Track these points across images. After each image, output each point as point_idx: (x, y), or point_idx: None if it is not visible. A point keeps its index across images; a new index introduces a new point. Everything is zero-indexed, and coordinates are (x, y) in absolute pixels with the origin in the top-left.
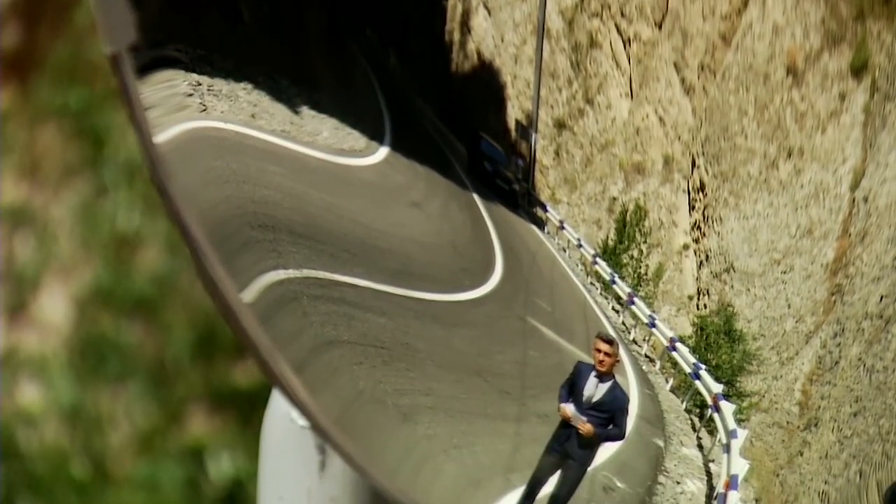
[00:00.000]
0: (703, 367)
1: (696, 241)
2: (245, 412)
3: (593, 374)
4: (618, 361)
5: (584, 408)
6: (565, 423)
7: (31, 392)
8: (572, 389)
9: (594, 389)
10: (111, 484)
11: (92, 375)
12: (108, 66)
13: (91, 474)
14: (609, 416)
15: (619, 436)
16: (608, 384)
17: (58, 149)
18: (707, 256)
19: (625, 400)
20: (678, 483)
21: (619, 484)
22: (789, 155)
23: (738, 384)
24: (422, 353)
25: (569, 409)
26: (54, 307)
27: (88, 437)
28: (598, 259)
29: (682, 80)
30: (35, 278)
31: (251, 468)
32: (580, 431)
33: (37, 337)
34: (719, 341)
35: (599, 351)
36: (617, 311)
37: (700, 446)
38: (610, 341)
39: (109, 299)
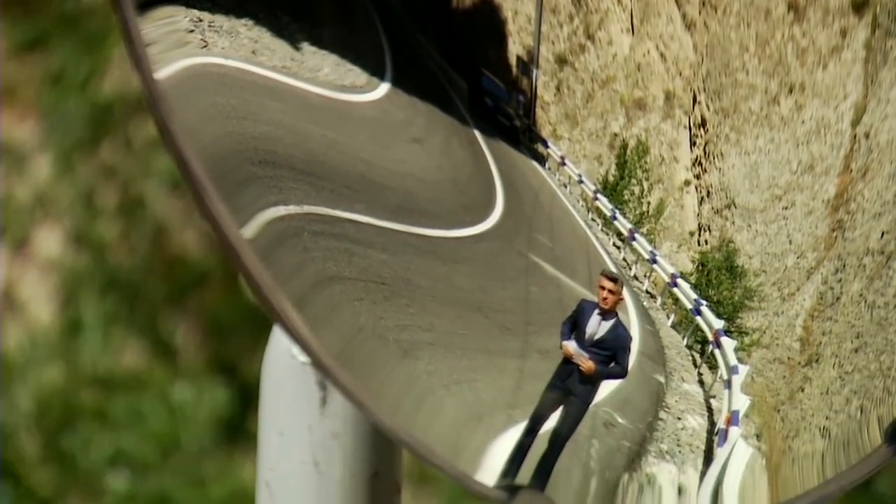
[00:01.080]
0: (705, 303)
1: (698, 176)
2: (234, 344)
3: (596, 311)
4: (621, 300)
5: (587, 345)
6: (567, 360)
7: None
8: (574, 326)
9: (597, 327)
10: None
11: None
12: None
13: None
14: (611, 353)
15: (620, 374)
16: (611, 322)
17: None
18: (708, 192)
19: (627, 338)
20: (679, 419)
21: (620, 420)
22: (790, 91)
23: (739, 320)
24: (423, 289)
25: (571, 346)
26: (48, 243)
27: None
28: (598, 195)
29: (684, 16)
30: (27, 214)
31: (242, 401)
32: (581, 369)
33: (32, 272)
34: (720, 277)
35: (603, 288)
36: (618, 247)
37: (701, 382)
38: (614, 279)
39: (85, 240)
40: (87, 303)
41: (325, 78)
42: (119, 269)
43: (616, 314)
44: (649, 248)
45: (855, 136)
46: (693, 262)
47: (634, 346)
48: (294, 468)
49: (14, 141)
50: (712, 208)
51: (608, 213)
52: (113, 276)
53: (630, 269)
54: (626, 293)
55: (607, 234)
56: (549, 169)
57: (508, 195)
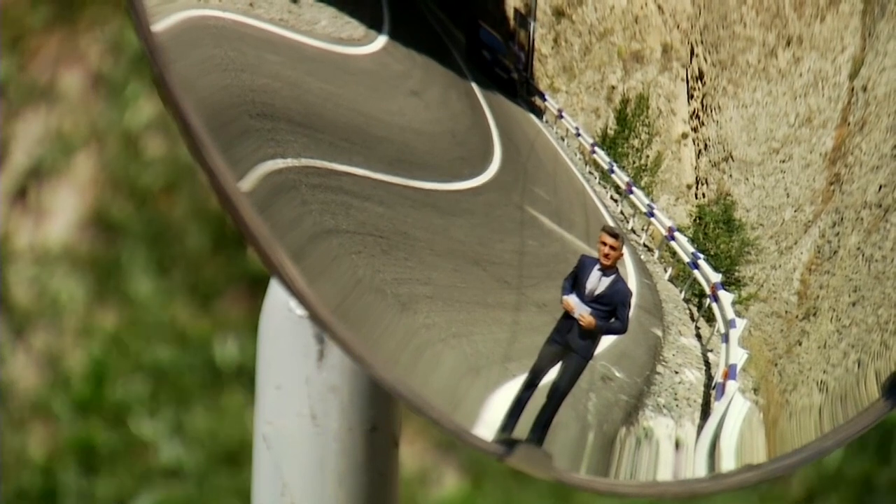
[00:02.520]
0: (702, 256)
1: (695, 129)
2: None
3: (597, 267)
4: (621, 256)
5: (587, 300)
6: (567, 315)
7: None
8: (575, 282)
9: (597, 283)
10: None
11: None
12: None
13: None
14: (611, 309)
15: (620, 329)
16: (611, 278)
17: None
18: (706, 145)
19: (627, 293)
20: (676, 373)
21: (617, 374)
22: (788, 43)
23: (736, 273)
24: (420, 243)
25: (572, 300)
26: (61, 193)
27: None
28: (596, 148)
29: None
30: (47, 161)
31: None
32: (581, 324)
33: (41, 224)
34: (718, 230)
35: (605, 244)
36: (615, 201)
37: (698, 336)
38: (616, 235)
39: (120, 186)
40: (131, 252)
41: (322, 30)
42: (162, 220)
43: (616, 269)
44: (647, 201)
45: (852, 89)
46: (690, 215)
47: (632, 301)
48: (291, 422)
49: (64, 84)
50: (710, 161)
51: (606, 167)
52: (157, 227)
53: (627, 222)
54: (623, 247)
55: (605, 188)
56: (547, 122)
57: (506, 148)
